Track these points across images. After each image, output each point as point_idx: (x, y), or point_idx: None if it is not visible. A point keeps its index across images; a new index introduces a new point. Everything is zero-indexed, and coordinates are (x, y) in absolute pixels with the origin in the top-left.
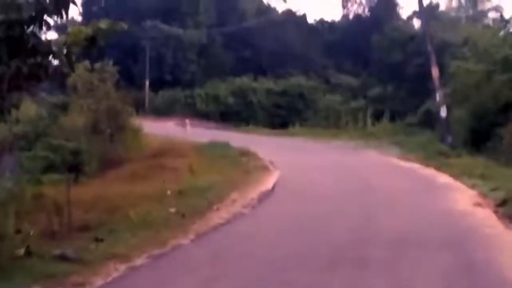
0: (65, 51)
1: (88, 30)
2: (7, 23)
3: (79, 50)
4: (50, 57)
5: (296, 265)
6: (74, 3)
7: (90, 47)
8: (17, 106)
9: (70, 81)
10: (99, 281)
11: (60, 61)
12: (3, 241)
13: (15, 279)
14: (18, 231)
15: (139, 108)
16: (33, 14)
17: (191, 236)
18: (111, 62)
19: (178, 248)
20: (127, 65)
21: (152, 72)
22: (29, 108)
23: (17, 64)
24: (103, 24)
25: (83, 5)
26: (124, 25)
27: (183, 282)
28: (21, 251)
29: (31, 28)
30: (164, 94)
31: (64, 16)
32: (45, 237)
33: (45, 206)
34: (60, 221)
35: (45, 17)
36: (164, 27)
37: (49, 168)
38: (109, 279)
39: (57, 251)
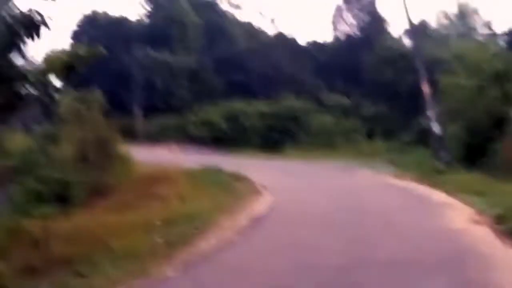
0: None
1: (65, 57)
2: None
3: (60, 78)
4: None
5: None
6: (46, 26)
7: (68, 74)
8: None
9: (57, 110)
10: None
11: (37, 89)
12: None
13: None
14: None
15: (131, 135)
16: (4, 40)
17: (178, 266)
18: (98, 90)
19: (162, 280)
20: (118, 93)
21: (143, 99)
22: (18, 140)
23: None
24: (81, 50)
25: (72, 35)
26: (103, 51)
27: None
28: None
29: (3, 54)
30: (156, 120)
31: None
32: (23, 273)
33: (24, 240)
34: (39, 256)
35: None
36: (154, 53)
37: (38, 199)
38: None
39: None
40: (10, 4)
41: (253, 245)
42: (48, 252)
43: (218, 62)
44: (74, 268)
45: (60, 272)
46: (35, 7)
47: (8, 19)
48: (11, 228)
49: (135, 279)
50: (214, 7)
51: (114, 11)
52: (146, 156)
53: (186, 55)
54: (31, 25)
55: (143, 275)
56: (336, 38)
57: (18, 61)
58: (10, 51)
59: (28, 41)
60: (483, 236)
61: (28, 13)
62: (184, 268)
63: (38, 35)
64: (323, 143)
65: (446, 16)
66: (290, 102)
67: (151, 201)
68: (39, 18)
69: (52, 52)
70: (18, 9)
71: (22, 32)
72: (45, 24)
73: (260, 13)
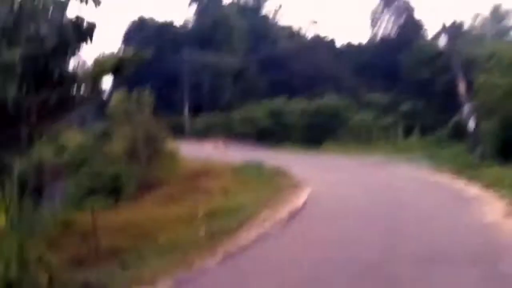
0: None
1: (114, 60)
2: (31, 56)
3: (109, 79)
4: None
5: (326, 278)
6: (93, 32)
7: (117, 76)
8: (54, 136)
9: (109, 109)
10: None
11: (87, 90)
12: (25, 270)
13: None
14: (40, 260)
15: (179, 132)
16: (56, 45)
17: (218, 258)
18: (148, 90)
19: (203, 271)
20: (167, 92)
21: (191, 98)
22: (73, 137)
23: (43, 95)
24: (128, 53)
25: (123, 38)
26: (149, 54)
27: None
28: (44, 280)
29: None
30: (203, 118)
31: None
32: (72, 263)
33: (74, 232)
34: (88, 247)
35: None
36: (200, 55)
37: (91, 193)
38: None
39: (81, 279)
40: (61, 12)
41: (291, 238)
42: (96, 244)
43: (261, 63)
44: (120, 259)
45: (107, 263)
46: (86, 14)
47: (60, 27)
48: (63, 221)
49: (178, 270)
50: (257, 12)
51: (160, 16)
52: (192, 152)
53: (231, 56)
54: (80, 31)
55: (186, 266)
56: (372, 39)
57: (71, 64)
58: (62, 56)
59: (80, 46)
60: None
61: (77, 19)
62: (224, 259)
63: (90, 40)
64: (362, 139)
65: (481, 16)
66: (330, 100)
67: (195, 195)
68: (87, 24)
69: (102, 55)
70: (69, 17)
71: (73, 38)
72: (93, 30)
73: (301, 19)
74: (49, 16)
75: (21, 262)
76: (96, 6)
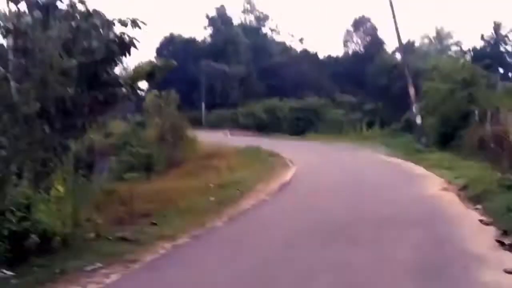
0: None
1: (148, 67)
2: (85, 64)
3: (144, 82)
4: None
5: (305, 233)
6: (135, 47)
7: (150, 80)
8: (103, 124)
9: (145, 105)
10: (149, 257)
11: (127, 91)
12: (78, 227)
13: (84, 257)
14: (88, 220)
15: (197, 123)
16: (104, 56)
17: (224, 219)
18: (174, 91)
19: (213, 229)
20: (189, 93)
21: (206, 97)
22: (117, 125)
23: (94, 94)
24: (159, 62)
25: (157, 50)
26: (174, 63)
27: (213, 256)
28: (92, 234)
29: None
30: (215, 113)
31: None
32: (114, 223)
33: (115, 199)
34: (125, 210)
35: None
36: (214, 64)
37: (130, 169)
38: (157, 255)
39: (119, 234)
40: (109, 30)
41: (281, 204)
42: (132, 208)
43: (260, 71)
44: (150, 219)
45: (139, 223)
46: (128, 31)
47: (107, 41)
48: (107, 190)
49: (194, 227)
50: (258, 31)
51: (185, 33)
52: (206, 138)
53: (237, 66)
54: (123, 45)
55: (199, 226)
56: (346, 53)
57: (115, 70)
58: (108, 64)
59: (123, 56)
60: (450, 200)
61: (121, 36)
62: (229, 220)
63: (129, 53)
64: (335, 130)
65: (427, 37)
66: (311, 100)
67: (208, 171)
68: (128, 40)
69: (139, 64)
70: (114, 33)
71: (117, 50)
72: (133, 44)
73: (291, 35)
74: (99, 33)
75: (74, 221)
76: (133, 28)
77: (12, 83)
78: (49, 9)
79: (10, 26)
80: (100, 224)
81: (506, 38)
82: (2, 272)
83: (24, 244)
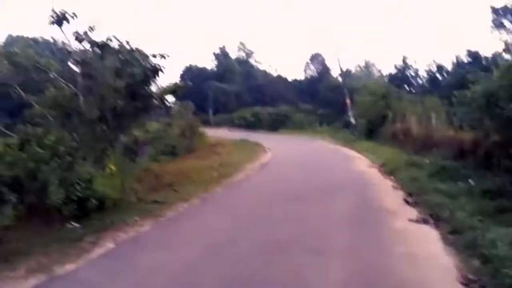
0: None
1: (172, 86)
2: (128, 85)
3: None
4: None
5: (276, 195)
6: (163, 72)
7: (174, 95)
8: (143, 125)
9: (172, 111)
10: (171, 213)
11: (158, 102)
12: (124, 194)
13: (127, 214)
14: (131, 188)
15: (207, 123)
16: (142, 78)
17: (222, 187)
18: (191, 102)
19: (215, 193)
20: (202, 103)
21: (213, 106)
22: (152, 125)
23: (136, 104)
24: (179, 83)
25: (180, 75)
26: (190, 84)
27: (215, 209)
28: (134, 198)
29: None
30: (219, 116)
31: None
32: (149, 190)
33: (150, 174)
34: (157, 182)
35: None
36: (218, 84)
37: (162, 153)
38: (177, 212)
39: (152, 198)
40: (145, 61)
41: (261, 177)
42: (161, 180)
43: (249, 89)
44: (173, 188)
45: (166, 190)
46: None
47: (145, 68)
48: (145, 168)
49: (202, 193)
50: (247, 62)
51: (200, 63)
52: (213, 133)
53: (233, 85)
54: (155, 71)
55: (206, 191)
56: (306, 77)
57: (152, 88)
58: (145, 84)
59: (155, 79)
60: (374, 173)
61: (154, 65)
62: (226, 187)
63: (158, 76)
64: (298, 127)
65: (359, 66)
66: (283, 108)
67: (213, 155)
68: (158, 67)
69: (167, 85)
70: (149, 63)
71: (151, 75)
72: (161, 70)
73: (269, 65)
74: (139, 63)
75: (122, 189)
76: (161, 59)
77: (81, 98)
78: (104, 47)
79: (79, 58)
80: (139, 191)
81: (410, 67)
82: (71, 224)
83: (87, 205)
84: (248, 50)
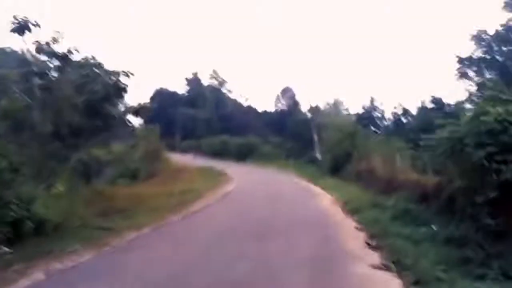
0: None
1: (134, 108)
2: (88, 101)
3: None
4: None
5: (234, 231)
6: (126, 91)
7: (137, 116)
8: (106, 145)
9: (136, 133)
10: (117, 242)
11: (119, 122)
12: (68, 218)
13: (68, 241)
14: (77, 212)
15: (173, 148)
16: (103, 96)
17: (180, 216)
18: (157, 125)
19: (170, 223)
20: (169, 128)
21: (181, 132)
22: (117, 146)
23: (94, 122)
24: (141, 105)
25: (151, 98)
26: (151, 107)
27: (167, 240)
28: (78, 223)
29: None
30: (186, 142)
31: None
32: (99, 215)
33: (103, 198)
34: (109, 207)
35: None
36: (188, 110)
37: (121, 176)
38: (124, 241)
39: (99, 224)
40: (107, 77)
41: (221, 208)
42: (114, 205)
43: (219, 117)
44: (125, 214)
45: (117, 216)
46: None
47: (106, 85)
48: (98, 190)
49: (156, 221)
50: (219, 91)
51: (171, 87)
52: (178, 158)
53: (204, 111)
54: (118, 89)
55: (160, 220)
56: (276, 110)
57: (115, 106)
58: (106, 102)
59: (119, 97)
60: (337, 212)
61: (116, 82)
62: (183, 217)
63: (122, 95)
64: (265, 159)
65: (328, 103)
66: (251, 138)
67: (175, 181)
68: (121, 86)
69: (129, 105)
70: (112, 80)
71: (112, 93)
72: (125, 90)
73: (240, 95)
74: (101, 79)
75: (67, 212)
76: (127, 76)
77: (35, 111)
78: (65, 59)
79: (36, 69)
80: (87, 215)
81: (377, 108)
82: (1, 248)
83: (22, 228)
84: (220, 78)
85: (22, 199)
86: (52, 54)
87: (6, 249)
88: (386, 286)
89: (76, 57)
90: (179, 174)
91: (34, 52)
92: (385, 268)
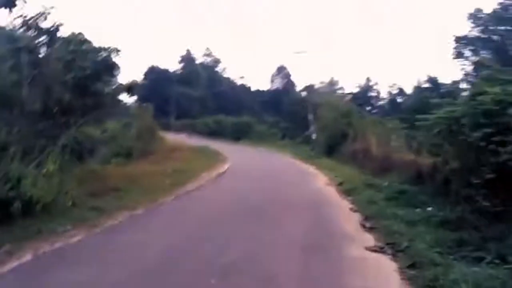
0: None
1: (126, 85)
2: (77, 77)
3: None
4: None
5: (228, 211)
6: (116, 69)
7: (129, 93)
8: (100, 123)
9: (130, 112)
10: (109, 223)
11: (109, 100)
12: (59, 197)
13: (59, 221)
14: (67, 192)
15: (167, 128)
16: (92, 72)
17: (173, 197)
18: (151, 104)
19: (162, 203)
20: (164, 106)
21: (175, 110)
22: (110, 125)
23: (84, 100)
24: (132, 82)
25: (143, 75)
26: (142, 84)
27: (160, 221)
28: (69, 203)
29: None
30: (181, 121)
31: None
32: (91, 195)
33: (94, 177)
34: (102, 186)
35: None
36: (182, 89)
37: (116, 155)
38: (115, 222)
39: (91, 204)
40: (95, 54)
41: (215, 188)
42: (107, 184)
43: (213, 95)
44: (118, 194)
45: (109, 196)
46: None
47: (95, 62)
48: (91, 170)
49: (149, 201)
50: (213, 68)
51: (164, 65)
52: (172, 138)
53: (198, 90)
54: (107, 66)
55: (153, 200)
56: (270, 88)
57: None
58: (96, 79)
59: (109, 74)
60: (332, 191)
61: (105, 59)
62: (176, 197)
63: (112, 74)
64: (260, 139)
65: (323, 82)
66: (246, 118)
67: (169, 161)
68: (111, 63)
69: (120, 82)
70: (101, 57)
71: (102, 69)
72: (115, 67)
73: (235, 74)
74: (90, 55)
75: (57, 192)
76: (115, 55)
77: (24, 88)
78: (51, 34)
79: (23, 45)
80: (78, 195)
81: (372, 88)
82: None
83: (10, 208)
84: (214, 56)
85: (10, 178)
86: (39, 30)
87: None
88: (380, 268)
89: (63, 33)
90: (174, 154)
91: (21, 28)
92: (380, 250)
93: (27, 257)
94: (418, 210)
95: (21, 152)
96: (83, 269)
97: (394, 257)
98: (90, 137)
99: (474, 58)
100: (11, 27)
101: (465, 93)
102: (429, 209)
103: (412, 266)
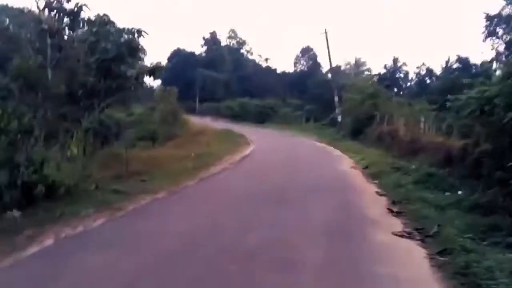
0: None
1: (148, 67)
2: (100, 60)
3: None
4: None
5: (251, 196)
6: (141, 51)
7: (152, 76)
8: (127, 107)
9: (155, 96)
10: (132, 206)
11: (132, 82)
12: (83, 181)
13: (81, 204)
14: (90, 175)
15: (192, 111)
16: (115, 55)
17: (196, 180)
18: (175, 87)
19: (185, 187)
20: (188, 90)
21: (200, 93)
22: (136, 109)
23: (108, 83)
24: (156, 64)
25: (168, 58)
26: (164, 67)
27: (182, 204)
28: (93, 186)
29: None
30: (205, 105)
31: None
32: (114, 179)
33: (119, 161)
34: (125, 170)
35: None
36: (206, 72)
37: (141, 138)
38: (138, 205)
39: (113, 187)
40: (120, 36)
41: (238, 172)
42: (130, 168)
43: (238, 78)
44: (141, 177)
45: (132, 179)
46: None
47: (119, 45)
48: (114, 153)
49: (172, 185)
50: (238, 51)
51: (188, 48)
52: (197, 121)
53: (223, 73)
54: (131, 48)
55: (176, 183)
56: (295, 70)
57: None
58: (119, 61)
59: (133, 56)
60: (357, 175)
61: (128, 41)
62: (199, 181)
63: (136, 55)
64: (284, 121)
65: (349, 63)
66: (270, 100)
67: (193, 144)
68: (135, 45)
69: (143, 65)
70: (125, 38)
71: (125, 52)
72: (140, 49)
73: (259, 55)
74: (113, 37)
75: (81, 175)
76: (139, 37)
77: (49, 71)
78: (74, 15)
79: (47, 27)
80: (101, 178)
81: (400, 68)
82: (12, 212)
83: (33, 192)
84: (239, 38)
85: (33, 161)
86: (63, 11)
87: (17, 213)
88: (409, 255)
89: (86, 15)
90: (198, 137)
91: (44, 9)
92: (408, 235)
93: (49, 241)
94: (447, 194)
95: (45, 136)
96: (103, 254)
97: (423, 243)
98: (117, 120)
99: (506, 37)
100: (35, 8)
101: (497, 73)
102: (459, 192)
103: (442, 252)
